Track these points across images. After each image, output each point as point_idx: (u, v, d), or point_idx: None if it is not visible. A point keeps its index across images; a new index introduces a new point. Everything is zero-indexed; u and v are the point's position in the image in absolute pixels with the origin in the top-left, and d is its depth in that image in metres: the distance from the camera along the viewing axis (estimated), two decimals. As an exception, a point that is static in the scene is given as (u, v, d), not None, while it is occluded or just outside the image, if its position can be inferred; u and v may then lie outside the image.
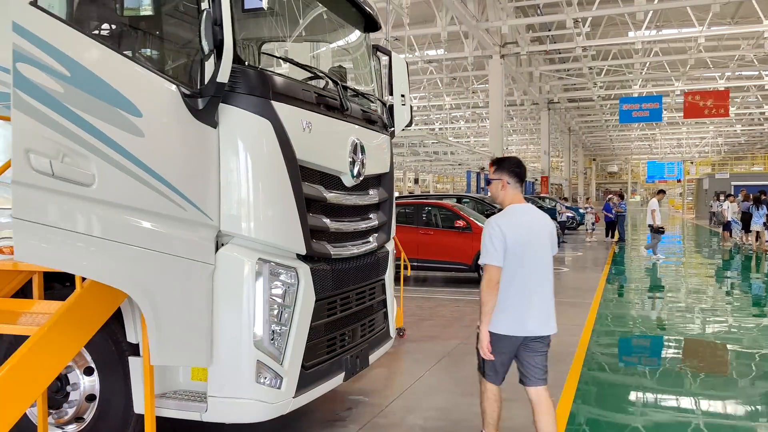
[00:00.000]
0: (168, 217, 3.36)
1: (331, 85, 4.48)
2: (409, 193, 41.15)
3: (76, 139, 2.93)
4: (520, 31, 23.28)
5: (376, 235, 5.05)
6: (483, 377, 3.99)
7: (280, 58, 4.67)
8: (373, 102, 5.28)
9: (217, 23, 3.22)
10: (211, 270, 3.59)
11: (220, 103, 3.58)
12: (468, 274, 12.45)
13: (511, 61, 25.10)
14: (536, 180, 37.39)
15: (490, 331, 3.81)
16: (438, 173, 57.17)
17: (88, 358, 3.91)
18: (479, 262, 3.99)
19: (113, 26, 3.76)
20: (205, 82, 3.39)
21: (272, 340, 3.75)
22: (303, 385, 3.98)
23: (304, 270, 3.95)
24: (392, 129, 5.59)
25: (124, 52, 3.27)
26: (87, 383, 3.93)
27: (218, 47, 3.23)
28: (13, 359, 3.01)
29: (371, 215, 5.00)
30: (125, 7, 3.27)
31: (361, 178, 4.64)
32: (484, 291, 3.78)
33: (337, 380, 4.41)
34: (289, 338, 3.85)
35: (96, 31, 3.69)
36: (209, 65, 3.34)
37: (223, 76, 3.35)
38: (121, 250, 3.14)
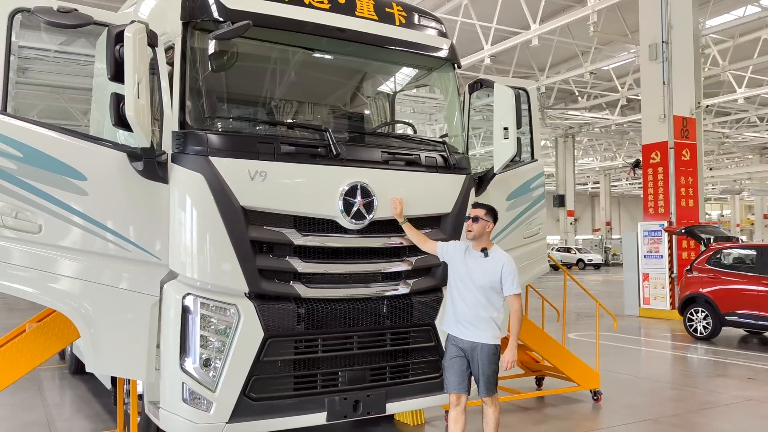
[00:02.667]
0: (111, 256, 4.24)
1: (324, 132, 4.72)
2: None
3: (24, 200, 4.07)
4: None
5: (410, 279, 4.95)
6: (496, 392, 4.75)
7: (254, 120, 5.09)
8: (417, 143, 5.20)
9: (122, 102, 3.99)
10: (154, 301, 4.31)
11: (170, 162, 4.34)
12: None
13: None
14: None
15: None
16: None
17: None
18: (516, 292, 4.71)
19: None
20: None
21: (205, 367, 4.23)
22: (245, 414, 4.29)
23: (246, 307, 4.31)
24: (462, 168, 5.32)
25: (70, 131, 4.32)
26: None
27: (123, 123, 3.99)
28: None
29: (401, 258, 4.93)
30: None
31: (365, 222, 4.71)
32: (521, 316, 4.76)
33: (314, 418, 4.53)
34: (225, 368, 4.26)
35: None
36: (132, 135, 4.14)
37: (141, 143, 4.10)
38: (60, 281, 4.15)
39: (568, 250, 39.86)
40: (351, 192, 4.65)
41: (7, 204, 4.06)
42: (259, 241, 4.39)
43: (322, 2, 4.83)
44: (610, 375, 8.43)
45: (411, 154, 5.11)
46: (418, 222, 5.00)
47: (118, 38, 3.98)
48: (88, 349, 4.23)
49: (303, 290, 4.50)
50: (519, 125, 5.47)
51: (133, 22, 4.14)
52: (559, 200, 39.01)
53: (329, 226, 4.63)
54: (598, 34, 22.06)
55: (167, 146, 4.36)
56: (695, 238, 12.09)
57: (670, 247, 13.91)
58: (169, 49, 4.50)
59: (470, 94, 5.85)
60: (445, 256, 4.86)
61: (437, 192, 5.16)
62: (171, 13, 4.58)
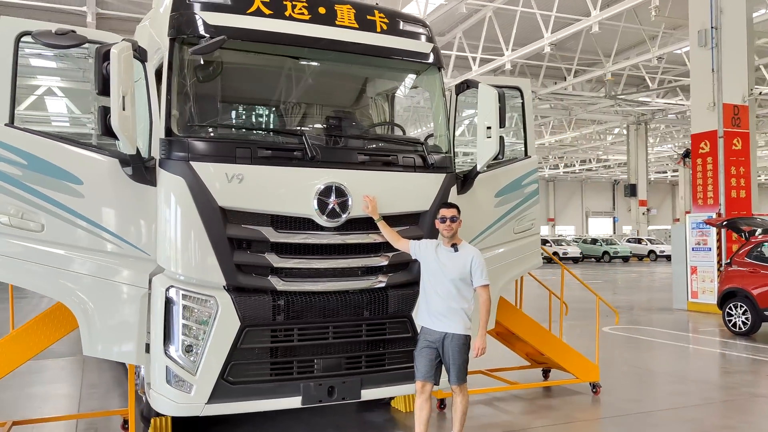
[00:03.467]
0: (105, 252, 4.74)
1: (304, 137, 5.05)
2: None
3: (28, 202, 4.61)
4: None
5: (386, 274, 5.22)
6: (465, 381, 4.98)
7: (234, 126, 5.46)
8: (396, 143, 5.44)
9: (108, 113, 4.44)
10: (144, 292, 4.78)
11: (157, 167, 4.79)
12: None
13: None
14: None
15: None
16: None
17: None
18: (484, 283, 4.94)
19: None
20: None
21: (186, 352, 4.67)
22: (223, 396, 4.71)
23: (224, 299, 4.72)
24: (442, 167, 5.52)
25: (68, 139, 4.82)
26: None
27: (110, 133, 4.45)
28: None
29: (377, 254, 5.20)
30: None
31: (341, 220, 5.01)
32: (490, 306, 5.04)
33: (289, 402, 4.89)
34: (204, 354, 4.68)
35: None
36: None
37: (127, 150, 4.56)
38: (60, 273, 4.68)
39: (639, 241, 38.71)
40: (326, 192, 4.96)
41: (14, 206, 4.62)
42: (237, 239, 4.78)
43: (303, 14, 5.13)
44: (622, 368, 8.45)
45: (387, 155, 5.37)
46: (397, 219, 5.26)
47: (105, 56, 4.42)
48: (84, 334, 4.75)
49: (279, 284, 4.86)
50: (502, 124, 5.60)
51: (123, 40, 4.61)
52: (631, 189, 37.94)
53: (306, 224, 4.97)
54: (665, 19, 21.39)
55: (156, 152, 4.82)
56: (736, 230, 11.68)
57: (719, 240, 13.44)
58: None
59: (457, 94, 6.01)
60: (417, 253, 5.10)
61: (415, 190, 5.38)
62: (164, 30, 5.02)
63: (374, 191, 5.14)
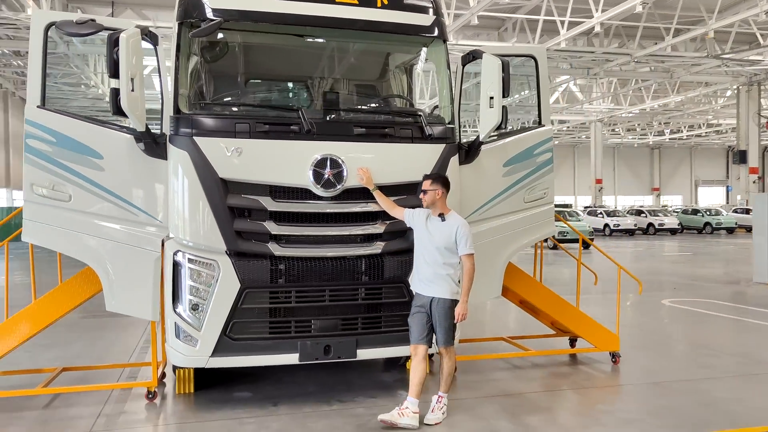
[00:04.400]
0: (123, 219, 5.29)
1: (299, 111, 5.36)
2: None
3: (58, 175, 5.22)
4: None
5: (381, 241, 5.46)
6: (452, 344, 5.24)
7: (243, 104, 5.78)
8: (395, 116, 5.62)
9: (117, 95, 4.91)
10: (157, 256, 5.30)
11: (168, 142, 5.25)
12: None
13: None
14: None
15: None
16: None
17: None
18: (468, 252, 5.11)
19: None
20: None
21: (192, 311, 5.16)
22: (226, 350, 5.18)
23: (225, 262, 5.15)
24: (441, 138, 5.65)
25: (91, 118, 5.35)
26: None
27: (120, 112, 4.93)
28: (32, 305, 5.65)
29: (372, 222, 5.45)
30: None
31: (337, 189, 5.30)
32: (473, 274, 5.14)
33: (287, 358, 5.30)
34: (208, 312, 5.15)
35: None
36: (134, 121, 5.09)
37: (138, 127, 5.04)
38: (85, 238, 5.27)
39: (747, 211, 36.33)
40: (321, 164, 5.26)
41: (46, 178, 5.25)
42: (237, 207, 5.19)
43: (304, -8, 5.40)
44: (654, 338, 8.27)
45: (383, 127, 5.57)
46: (394, 189, 5.47)
47: (115, 42, 4.89)
48: (107, 292, 5.35)
49: (277, 249, 5.24)
50: (506, 94, 5.62)
51: (136, 27, 5.07)
52: (740, 156, 35.54)
53: (303, 194, 5.29)
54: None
55: (166, 129, 5.29)
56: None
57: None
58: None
59: (463, 66, 6.08)
60: (411, 222, 5.31)
61: (412, 161, 5.56)
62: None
63: (370, 163, 5.37)
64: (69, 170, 5.28)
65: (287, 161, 5.28)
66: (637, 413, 5.42)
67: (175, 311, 5.22)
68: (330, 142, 5.34)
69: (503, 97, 5.60)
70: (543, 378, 6.51)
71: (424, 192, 5.20)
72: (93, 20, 5.29)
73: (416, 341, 5.20)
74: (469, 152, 5.95)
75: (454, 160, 5.73)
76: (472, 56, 6.01)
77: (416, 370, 5.18)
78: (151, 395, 5.67)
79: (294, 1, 5.34)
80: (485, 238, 6.09)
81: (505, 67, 5.59)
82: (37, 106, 5.29)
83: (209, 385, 6.05)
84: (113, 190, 5.32)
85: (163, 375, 6.31)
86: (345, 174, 5.30)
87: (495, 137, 6.29)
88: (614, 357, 6.88)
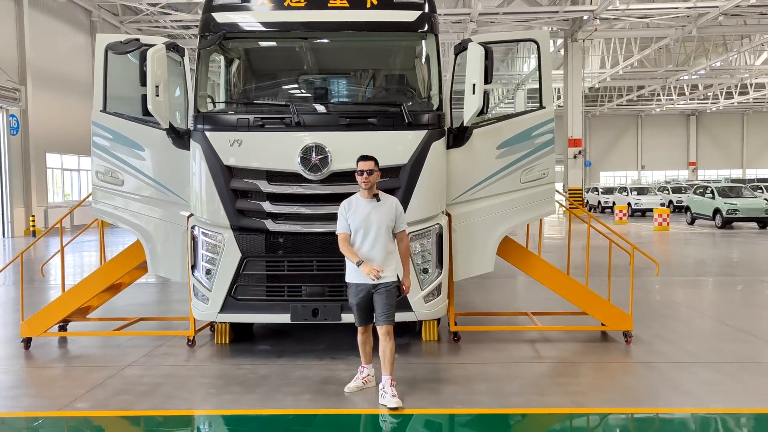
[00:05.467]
0: (159, 200, 6.57)
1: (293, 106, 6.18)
2: None
3: (114, 165, 6.62)
4: None
5: None
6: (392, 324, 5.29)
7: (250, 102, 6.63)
8: (378, 106, 6.24)
9: (145, 99, 6.11)
10: (183, 229, 6.49)
11: (190, 137, 6.40)
12: None
13: None
14: None
15: None
16: None
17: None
18: (405, 228, 5.39)
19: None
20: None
21: (206, 274, 6.28)
22: (230, 308, 6.24)
23: (228, 235, 6.20)
24: (423, 124, 6.11)
25: (136, 118, 6.60)
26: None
27: (147, 113, 6.12)
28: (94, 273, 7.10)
29: None
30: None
31: (323, 173, 6.07)
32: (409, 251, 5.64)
33: (281, 317, 6.24)
34: (216, 276, 6.23)
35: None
36: (163, 119, 6.29)
37: (163, 124, 6.23)
38: (134, 215, 6.62)
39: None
40: (308, 151, 6.05)
41: (106, 167, 6.68)
42: (239, 190, 6.19)
43: (299, 2, 6.21)
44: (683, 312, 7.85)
45: (366, 117, 6.18)
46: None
47: (144, 57, 6.09)
48: (148, 259, 6.68)
49: (271, 225, 6.16)
50: (488, 80, 5.96)
51: (164, 43, 6.25)
52: None
53: (294, 177, 6.13)
54: None
55: (190, 126, 6.43)
56: None
57: None
58: None
59: (455, 54, 6.45)
60: (348, 218, 5.32)
61: (393, 147, 6.11)
62: None
63: (354, 149, 6.01)
64: (121, 160, 6.67)
65: (280, 150, 6.15)
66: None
67: (193, 275, 6.39)
68: (317, 132, 6.11)
69: (486, 83, 5.95)
70: (543, 353, 6.73)
71: (370, 172, 5.22)
72: (137, 39, 6.56)
73: (364, 325, 5.43)
74: (457, 136, 6.36)
75: (438, 144, 6.18)
76: (462, 46, 6.37)
77: (366, 344, 5.54)
78: (190, 342, 6.95)
79: (292, 11, 6.16)
80: (477, 216, 6.51)
81: (488, 55, 5.93)
82: (100, 111, 6.72)
83: (244, 339, 7.20)
84: (152, 176, 6.62)
85: (211, 326, 7.52)
86: (330, 159, 6.03)
87: (494, 121, 6.62)
88: (626, 336, 6.84)
